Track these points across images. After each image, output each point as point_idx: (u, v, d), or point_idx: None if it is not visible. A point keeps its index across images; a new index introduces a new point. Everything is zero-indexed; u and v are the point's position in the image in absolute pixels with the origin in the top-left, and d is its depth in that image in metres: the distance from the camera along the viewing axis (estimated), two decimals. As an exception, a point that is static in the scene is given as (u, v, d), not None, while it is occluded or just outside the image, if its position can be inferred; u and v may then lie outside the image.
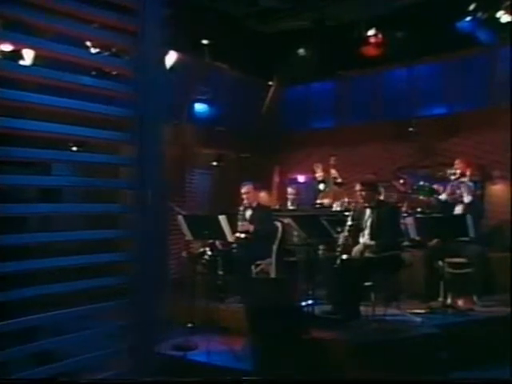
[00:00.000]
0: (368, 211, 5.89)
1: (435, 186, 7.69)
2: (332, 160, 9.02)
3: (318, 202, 8.70)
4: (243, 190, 6.71)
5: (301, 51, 10.48)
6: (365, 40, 9.72)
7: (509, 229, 7.86)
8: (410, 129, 9.13)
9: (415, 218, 6.07)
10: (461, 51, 9.50)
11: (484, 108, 9.41)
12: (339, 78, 10.59)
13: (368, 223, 5.83)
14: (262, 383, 2.82)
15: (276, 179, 9.94)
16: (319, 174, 9.02)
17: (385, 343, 5.07)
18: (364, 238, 5.79)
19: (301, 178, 10.46)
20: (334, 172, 8.85)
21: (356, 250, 5.62)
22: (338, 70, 10.39)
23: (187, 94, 9.64)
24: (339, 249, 5.72)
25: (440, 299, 6.13)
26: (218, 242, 6.38)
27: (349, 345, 4.93)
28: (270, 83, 11.03)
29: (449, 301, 6.16)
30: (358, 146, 10.13)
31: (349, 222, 5.75)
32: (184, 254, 7.27)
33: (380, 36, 9.71)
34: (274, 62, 10.54)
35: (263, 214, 6.59)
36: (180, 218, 6.12)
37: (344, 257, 5.64)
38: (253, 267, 6.50)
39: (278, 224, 6.61)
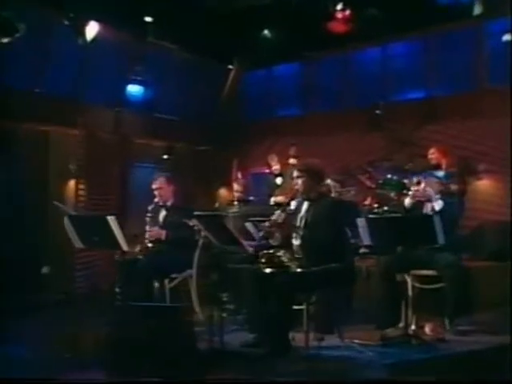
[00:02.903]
0: (305, 206, 4.25)
1: (406, 181, 6.03)
2: (292, 150, 7.37)
3: (273, 199, 7.05)
4: (154, 186, 5.08)
5: (263, 30, 8.82)
6: (332, 16, 8.06)
7: (494, 231, 6.21)
8: (377, 111, 7.46)
9: (367, 218, 4.39)
10: (441, 26, 7.85)
11: (468, 91, 7.75)
12: (305, 60, 8.93)
13: (302, 222, 4.18)
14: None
15: (235, 174, 8.28)
16: (275, 167, 7.37)
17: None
18: (297, 242, 4.14)
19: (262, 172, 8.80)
20: (293, 161, 7.17)
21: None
22: (304, 50, 8.73)
23: (125, 77, 8.00)
24: (262, 259, 4.05)
25: (401, 325, 4.47)
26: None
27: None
28: (230, 67, 9.36)
29: (413, 327, 4.51)
30: (326, 136, 8.46)
31: (272, 218, 4.09)
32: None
33: (349, 11, 8.03)
34: (233, 43, 8.87)
35: (180, 215, 4.90)
36: (65, 219, 4.49)
37: (268, 270, 3.99)
38: (166, 282, 4.88)
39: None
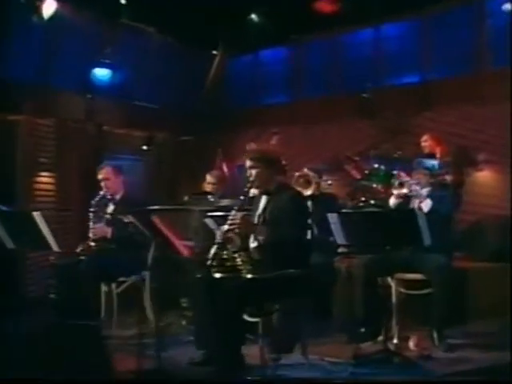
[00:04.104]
0: (263, 200, 3.54)
1: (395, 172, 5.26)
2: (274, 139, 6.63)
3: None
4: (100, 176, 4.35)
5: (248, 13, 8.04)
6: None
7: (494, 228, 5.44)
8: (364, 95, 6.69)
9: (340, 213, 3.65)
10: (438, 5, 7.04)
11: (467, 75, 6.94)
12: (293, 44, 8.16)
13: (260, 220, 3.45)
14: None
15: (219, 165, 7.56)
16: (251, 157, 6.62)
17: None
18: (254, 244, 3.41)
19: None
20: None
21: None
22: (292, 33, 7.97)
23: (100, 62, 7.28)
24: (213, 263, 3.32)
25: (380, 338, 3.73)
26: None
27: None
28: (215, 52, 8.61)
29: (395, 341, 3.77)
30: (316, 124, 7.70)
31: (228, 222, 3.36)
32: None
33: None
34: (217, 26, 8.09)
35: (133, 210, 4.16)
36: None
37: (217, 276, 3.27)
38: (114, 287, 4.17)
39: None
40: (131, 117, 7.87)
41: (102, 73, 7.43)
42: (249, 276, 3.17)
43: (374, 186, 5.48)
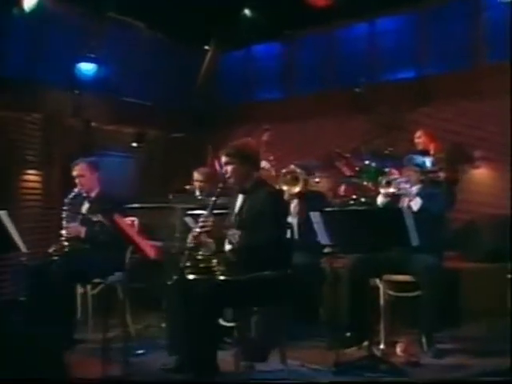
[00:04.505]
0: (240, 198, 3.34)
1: (387, 169, 5.06)
2: (265, 136, 6.42)
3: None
4: (75, 172, 4.16)
5: (241, 7, 7.85)
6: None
7: (489, 227, 5.23)
8: (357, 90, 6.48)
9: (322, 212, 3.45)
10: (434, -2, 6.87)
11: (464, 70, 6.73)
12: (286, 39, 7.95)
13: (237, 220, 3.25)
14: None
15: (211, 162, 7.37)
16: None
17: None
18: (229, 246, 3.21)
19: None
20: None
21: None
22: (285, 28, 7.76)
23: (88, 57, 7.09)
24: (187, 263, 3.13)
25: (365, 343, 3.52)
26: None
27: None
28: (207, 47, 8.41)
29: (381, 346, 3.57)
30: (310, 120, 7.49)
31: (199, 225, 3.15)
32: None
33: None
34: (209, 21, 7.91)
35: (107, 209, 3.95)
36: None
37: (191, 277, 3.08)
38: (89, 288, 3.98)
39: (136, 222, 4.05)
40: (121, 113, 7.68)
41: (89, 68, 7.25)
42: (223, 278, 2.97)
43: (365, 183, 5.28)
